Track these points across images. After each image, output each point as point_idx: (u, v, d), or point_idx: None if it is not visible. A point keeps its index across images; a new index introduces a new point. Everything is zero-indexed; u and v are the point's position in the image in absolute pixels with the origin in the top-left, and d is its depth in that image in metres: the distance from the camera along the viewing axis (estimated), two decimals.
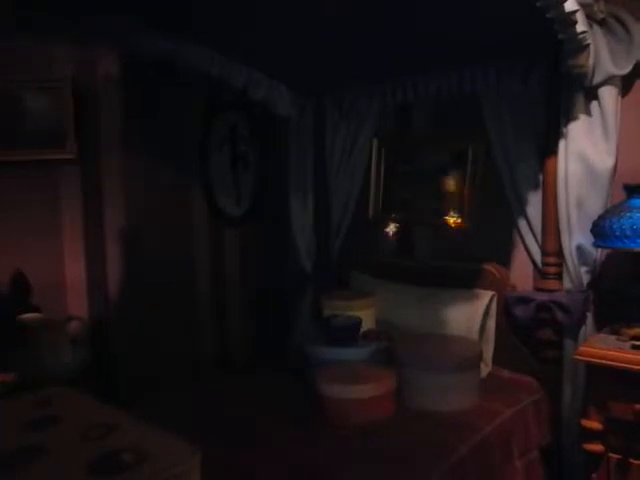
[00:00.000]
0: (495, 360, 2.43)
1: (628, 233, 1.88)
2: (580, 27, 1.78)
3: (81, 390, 1.85)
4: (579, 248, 2.19)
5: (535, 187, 2.34)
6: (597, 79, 2.02)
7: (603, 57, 1.99)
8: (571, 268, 2.24)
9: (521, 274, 2.50)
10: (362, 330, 2.38)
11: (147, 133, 2.75)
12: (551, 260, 2.29)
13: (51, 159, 2.53)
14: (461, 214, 2.69)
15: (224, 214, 3.12)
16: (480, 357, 2.22)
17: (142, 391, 2.34)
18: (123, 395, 2.44)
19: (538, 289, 2.34)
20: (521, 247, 2.48)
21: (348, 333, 2.33)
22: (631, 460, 1.85)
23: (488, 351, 2.42)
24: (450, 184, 2.74)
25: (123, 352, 2.65)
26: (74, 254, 2.63)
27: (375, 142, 2.95)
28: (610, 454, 1.89)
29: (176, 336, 2.83)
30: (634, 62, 2.04)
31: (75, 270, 2.63)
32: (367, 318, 2.45)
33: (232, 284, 3.21)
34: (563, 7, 1.68)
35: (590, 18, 1.91)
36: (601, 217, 2.02)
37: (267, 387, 2.35)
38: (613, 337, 1.99)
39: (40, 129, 2.51)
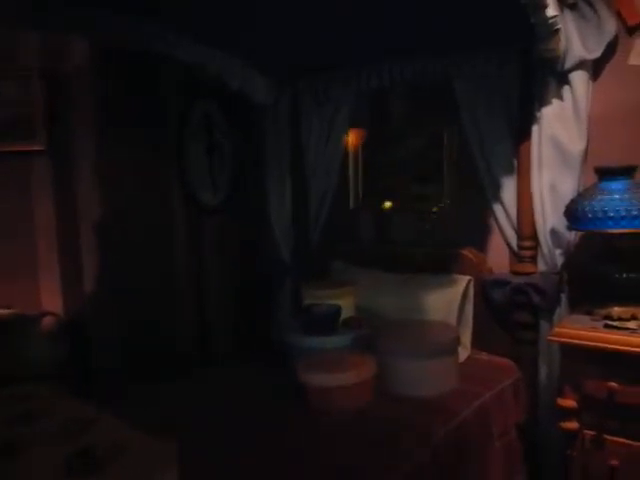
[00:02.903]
0: (474, 343, 2.47)
1: (600, 215, 1.92)
2: (551, 11, 1.80)
3: (58, 386, 1.83)
4: (553, 231, 2.22)
5: (509, 171, 2.36)
6: (568, 63, 2.04)
7: (574, 41, 2.01)
8: (545, 251, 2.27)
9: (497, 258, 2.53)
10: (342, 318, 2.39)
11: (121, 123, 2.70)
12: (526, 243, 2.32)
13: (21, 150, 2.46)
14: (439, 199, 2.72)
15: (201, 204, 3.09)
16: (458, 341, 2.25)
17: (121, 386, 2.32)
18: (101, 390, 2.41)
19: (514, 272, 2.38)
20: (497, 231, 2.51)
21: (328, 321, 2.33)
22: (605, 436, 1.90)
23: (467, 335, 2.45)
24: (428, 170, 2.76)
25: (101, 346, 2.62)
26: (47, 248, 2.57)
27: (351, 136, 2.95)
28: (585, 431, 1.94)
29: (155, 328, 2.80)
30: (604, 46, 2.06)
31: (49, 265, 2.58)
32: (347, 306, 2.45)
33: (211, 274, 3.19)
34: None
35: (561, 2, 1.92)
36: (573, 200, 2.05)
37: (248, 377, 2.35)
38: (587, 317, 2.03)
39: (9, 119, 2.44)
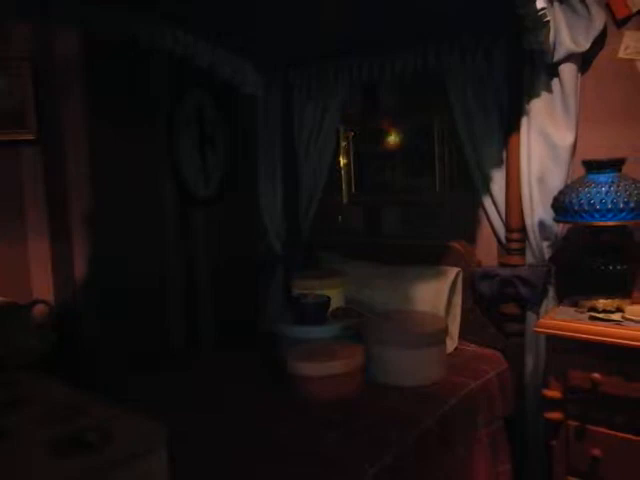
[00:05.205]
0: (461, 335, 2.48)
1: (586, 208, 1.92)
2: (540, 3, 1.80)
3: (49, 374, 1.83)
4: (541, 223, 2.23)
5: (499, 164, 2.37)
6: (557, 56, 2.05)
7: (563, 34, 2.02)
8: (533, 243, 2.29)
9: (486, 250, 2.55)
10: (331, 308, 2.40)
11: (112, 113, 2.69)
12: (514, 236, 2.33)
13: (11, 140, 2.46)
14: (430, 191, 2.73)
15: (193, 195, 3.09)
16: (446, 332, 2.26)
17: (112, 374, 2.33)
18: (92, 378, 2.42)
19: (502, 264, 2.39)
20: (486, 223, 2.53)
21: (317, 311, 2.34)
22: (588, 426, 1.92)
23: (454, 326, 2.47)
24: (418, 162, 2.77)
25: (91, 336, 2.63)
26: (38, 237, 2.57)
27: (342, 129, 2.96)
28: (569, 421, 1.96)
29: (145, 318, 2.81)
30: (593, 39, 2.07)
31: (40, 254, 2.58)
32: (336, 296, 2.46)
33: (201, 265, 3.20)
34: None
35: None
36: (561, 192, 2.06)
37: (237, 367, 2.36)
38: (572, 309, 2.06)
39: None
